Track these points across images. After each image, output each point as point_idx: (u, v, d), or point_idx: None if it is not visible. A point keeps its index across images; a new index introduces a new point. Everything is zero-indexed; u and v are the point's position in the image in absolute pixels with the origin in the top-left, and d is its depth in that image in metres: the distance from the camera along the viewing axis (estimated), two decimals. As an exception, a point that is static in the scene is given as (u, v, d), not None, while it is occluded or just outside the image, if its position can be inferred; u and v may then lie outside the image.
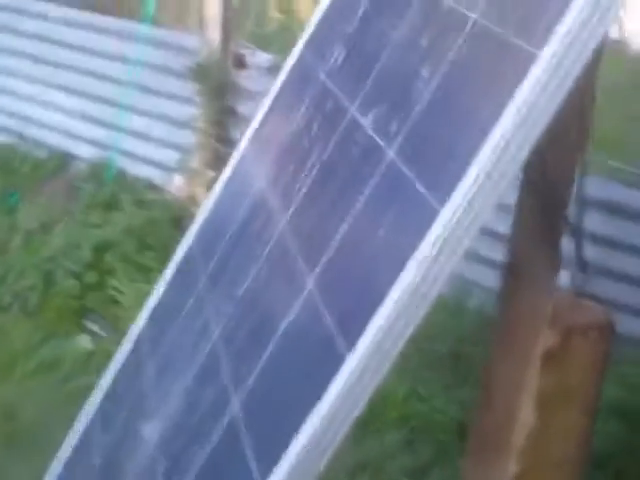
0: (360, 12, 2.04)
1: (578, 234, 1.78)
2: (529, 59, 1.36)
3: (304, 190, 1.87)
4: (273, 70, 4.86)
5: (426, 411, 3.33)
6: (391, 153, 1.61)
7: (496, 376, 1.86)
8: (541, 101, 1.35)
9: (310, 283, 1.63)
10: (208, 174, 4.86)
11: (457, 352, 3.52)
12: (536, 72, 1.34)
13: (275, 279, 1.80)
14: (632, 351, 3.17)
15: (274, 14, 7.81)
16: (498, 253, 1.99)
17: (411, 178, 1.51)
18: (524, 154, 1.37)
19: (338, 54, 2.05)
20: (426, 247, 1.39)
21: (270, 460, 1.46)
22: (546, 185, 1.53)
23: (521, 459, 1.81)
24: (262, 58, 4.89)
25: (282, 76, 2.32)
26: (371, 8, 2.01)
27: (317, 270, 1.64)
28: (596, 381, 1.82)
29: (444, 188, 1.40)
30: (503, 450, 1.82)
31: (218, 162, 4.95)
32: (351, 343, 1.42)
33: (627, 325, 2.52)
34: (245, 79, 4.85)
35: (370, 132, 1.72)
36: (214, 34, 4.83)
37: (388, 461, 3.17)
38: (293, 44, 2.33)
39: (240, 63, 4.92)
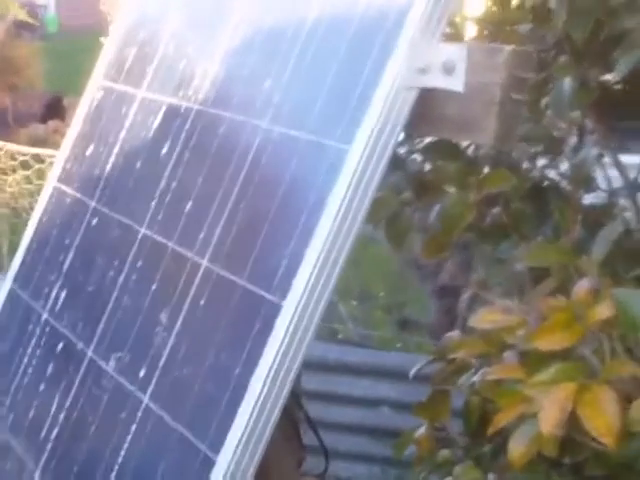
0: (71, 253, 2.06)
1: (313, 425, 1.95)
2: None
3: (52, 443, 1.87)
4: None
5: None
6: (145, 398, 1.67)
7: None
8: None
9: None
10: None
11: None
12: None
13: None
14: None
15: None
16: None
17: (177, 427, 1.58)
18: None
19: (58, 292, 2.06)
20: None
21: None
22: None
23: None
24: None
25: None
26: (85, 245, 2.05)
27: None
28: None
29: (215, 438, 1.49)
30: None
31: None
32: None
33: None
34: None
35: (116, 376, 1.76)
36: None
37: None
38: None
39: None
